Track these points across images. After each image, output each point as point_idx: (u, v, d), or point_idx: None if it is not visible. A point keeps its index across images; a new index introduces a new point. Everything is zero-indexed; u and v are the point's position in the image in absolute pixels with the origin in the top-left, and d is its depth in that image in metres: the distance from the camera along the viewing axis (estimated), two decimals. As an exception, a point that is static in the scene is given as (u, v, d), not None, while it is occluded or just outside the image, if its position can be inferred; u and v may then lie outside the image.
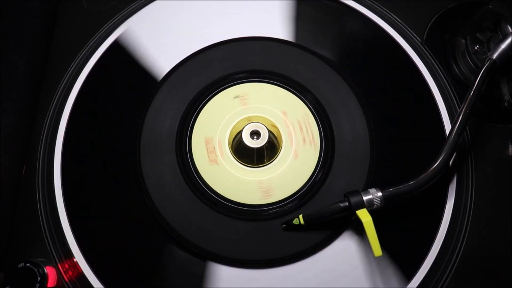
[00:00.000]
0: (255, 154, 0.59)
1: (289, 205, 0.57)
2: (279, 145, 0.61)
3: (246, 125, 0.59)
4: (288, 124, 0.61)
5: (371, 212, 0.52)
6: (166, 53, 0.66)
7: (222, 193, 0.58)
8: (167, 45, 0.66)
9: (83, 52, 0.66)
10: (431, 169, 0.53)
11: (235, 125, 0.61)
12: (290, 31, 0.67)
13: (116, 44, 0.67)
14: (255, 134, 0.59)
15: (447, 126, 0.61)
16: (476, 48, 0.62)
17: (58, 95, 0.64)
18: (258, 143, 0.58)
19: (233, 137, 0.61)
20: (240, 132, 0.59)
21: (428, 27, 0.67)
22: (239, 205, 0.58)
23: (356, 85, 0.63)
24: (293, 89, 0.63)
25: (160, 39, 0.67)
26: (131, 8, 0.69)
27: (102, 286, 0.55)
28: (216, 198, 0.58)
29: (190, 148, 0.60)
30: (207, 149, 0.60)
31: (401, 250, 0.56)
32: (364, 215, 0.52)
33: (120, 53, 0.66)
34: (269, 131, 0.59)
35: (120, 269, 0.56)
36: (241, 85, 0.63)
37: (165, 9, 0.69)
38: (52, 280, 0.55)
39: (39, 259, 0.56)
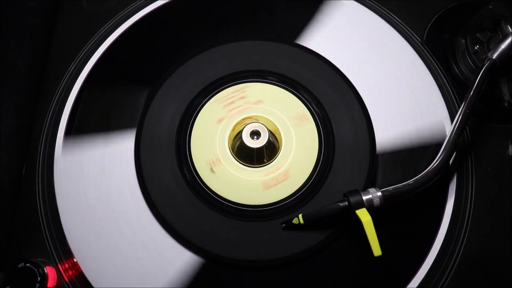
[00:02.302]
0: (255, 154, 0.59)
1: (288, 205, 0.57)
2: (279, 145, 0.61)
3: (246, 125, 0.59)
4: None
5: (371, 212, 0.52)
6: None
7: (221, 193, 0.58)
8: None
9: (83, 52, 0.66)
10: (431, 168, 0.53)
11: (235, 125, 0.61)
12: (289, 31, 0.67)
13: (116, 44, 0.67)
14: (255, 134, 0.59)
15: (447, 126, 0.61)
16: (476, 48, 0.62)
17: (58, 95, 0.64)
18: (258, 143, 0.58)
19: (233, 137, 0.61)
20: (240, 132, 0.59)
21: (428, 27, 0.67)
22: (239, 205, 0.58)
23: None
24: (294, 89, 0.63)
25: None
26: (131, 8, 0.69)
27: (102, 286, 0.55)
28: (216, 198, 0.58)
29: (190, 147, 0.60)
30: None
31: (401, 250, 0.56)
32: (363, 214, 0.52)
33: (120, 54, 0.66)
34: (269, 131, 0.59)
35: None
36: (241, 85, 0.63)
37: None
38: (52, 280, 0.55)
39: (39, 259, 0.56)
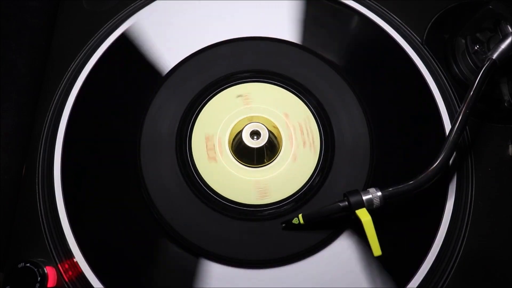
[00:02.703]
0: (255, 154, 0.59)
1: (288, 205, 0.57)
2: (279, 145, 0.61)
3: (246, 125, 0.59)
4: (289, 126, 0.61)
5: (371, 212, 0.52)
6: (166, 52, 0.66)
7: (222, 193, 0.58)
8: (167, 45, 0.67)
9: (83, 52, 0.66)
10: (431, 169, 0.53)
11: (235, 124, 0.61)
12: (292, 32, 0.67)
13: (116, 44, 0.67)
14: (255, 134, 0.59)
15: (447, 126, 0.61)
16: (476, 48, 0.62)
17: (58, 95, 0.64)
18: (258, 143, 0.58)
19: (233, 136, 0.61)
20: (240, 132, 0.59)
21: (428, 27, 0.67)
22: (239, 205, 0.58)
23: (356, 85, 0.63)
24: (294, 90, 0.63)
25: (161, 39, 0.67)
26: (131, 8, 0.69)
27: (102, 286, 0.55)
28: (216, 198, 0.58)
29: (190, 147, 0.60)
30: (206, 147, 0.60)
31: (401, 250, 0.56)
32: (363, 214, 0.52)
33: (120, 53, 0.66)
34: (269, 132, 0.59)
35: (120, 269, 0.56)
36: (243, 85, 0.63)
37: (169, 7, 0.69)
38: (52, 280, 0.55)
39: (39, 259, 0.56)
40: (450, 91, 0.64)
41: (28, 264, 0.54)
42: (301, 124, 0.61)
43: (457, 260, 0.56)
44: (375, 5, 0.69)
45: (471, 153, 0.61)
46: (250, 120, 0.61)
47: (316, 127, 0.61)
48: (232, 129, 0.61)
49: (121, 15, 0.69)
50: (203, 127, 0.61)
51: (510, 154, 0.61)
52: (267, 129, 0.59)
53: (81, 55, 0.66)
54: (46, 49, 0.67)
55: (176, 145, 0.60)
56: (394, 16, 0.68)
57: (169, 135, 0.61)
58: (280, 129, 0.61)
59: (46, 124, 0.63)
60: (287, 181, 0.59)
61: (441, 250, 0.56)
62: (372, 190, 0.53)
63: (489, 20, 0.60)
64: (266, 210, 0.57)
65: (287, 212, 0.57)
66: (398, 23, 0.68)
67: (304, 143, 0.60)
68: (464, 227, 0.57)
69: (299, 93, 0.63)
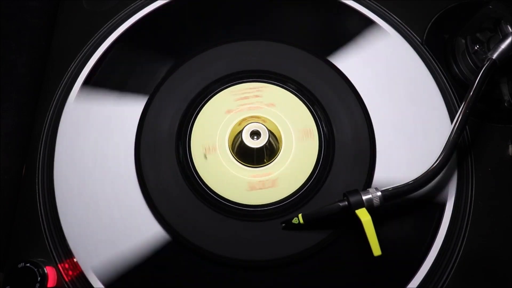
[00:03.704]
0: (255, 154, 0.59)
1: (288, 205, 0.57)
2: (279, 145, 0.61)
3: (246, 125, 0.59)
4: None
5: (371, 212, 0.52)
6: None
7: (221, 193, 0.58)
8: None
9: (83, 52, 0.66)
10: (431, 169, 0.53)
11: (235, 125, 0.61)
12: (291, 33, 0.67)
13: (116, 43, 0.67)
14: (255, 134, 0.59)
15: (447, 126, 0.61)
16: (476, 48, 0.62)
17: (58, 95, 0.64)
18: (258, 143, 0.58)
19: (233, 137, 0.61)
20: (240, 132, 0.59)
21: (428, 27, 0.67)
22: (238, 205, 0.58)
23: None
24: (294, 90, 0.63)
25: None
26: (131, 8, 0.69)
27: (102, 286, 0.55)
28: (216, 197, 0.58)
29: (189, 147, 0.60)
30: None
31: (401, 250, 0.56)
32: (363, 214, 0.52)
33: (120, 53, 0.66)
34: (269, 132, 0.59)
35: (120, 269, 0.56)
36: (242, 85, 0.63)
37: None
38: (52, 280, 0.55)
39: (39, 259, 0.56)
40: (450, 91, 0.64)
41: (28, 264, 0.54)
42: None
43: (457, 260, 0.56)
44: (375, 5, 0.69)
45: (471, 153, 0.61)
46: (250, 120, 0.61)
47: (316, 125, 0.61)
48: (232, 129, 0.61)
49: (121, 15, 0.69)
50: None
51: (510, 154, 0.61)
52: (267, 129, 0.59)
53: (81, 55, 0.66)
54: (46, 49, 0.67)
55: (176, 145, 0.60)
56: (394, 16, 0.68)
57: (169, 135, 0.61)
58: (282, 135, 0.61)
59: (46, 124, 0.63)
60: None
61: (441, 250, 0.56)
62: (372, 190, 0.53)
63: (489, 20, 0.60)
64: (266, 210, 0.57)
65: (287, 212, 0.57)
66: (398, 23, 0.68)
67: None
68: (464, 227, 0.57)
69: (299, 93, 0.63)
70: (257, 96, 0.63)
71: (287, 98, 0.63)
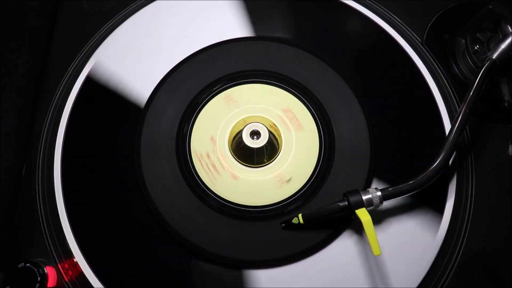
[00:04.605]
0: (255, 154, 0.59)
1: (288, 205, 0.57)
2: (279, 145, 0.61)
3: (246, 125, 0.59)
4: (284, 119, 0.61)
5: (371, 212, 0.52)
6: (166, 53, 0.66)
7: (221, 193, 0.58)
8: (166, 45, 0.67)
9: (83, 52, 0.66)
10: (431, 168, 0.53)
11: (235, 125, 0.61)
12: (293, 32, 0.67)
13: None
14: (255, 134, 0.59)
15: (447, 126, 0.61)
16: (476, 48, 0.62)
17: (58, 95, 0.64)
18: (258, 143, 0.58)
19: (233, 137, 0.61)
20: (240, 132, 0.59)
21: (428, 27, 0.67)
22: (238, 205, 0.58)
23: (356, 85, 0.63)
24: (293, 89, 0.63)
25: (160, 39, 0.67)
26: (131, 8, 0.69)
27: (102, 286, 0.55)
28: (216, 197, 0.58)
29: (190, 147, 0.60)
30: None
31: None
32: (363, 214, 0.52)
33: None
34: (269, 131, 0.59)
35: (120, 269, 0.56)
36: (242, 86, 0.63)
37: (166, 10, 0.69)
38: (52, 280, 0.55)
39: (39, 259, 0.56)
40: (450, 91, 0.64)
41: (28, 264, 0.54)
42: (299, 128, 0.61)
43: (457, 260, 0.56)
44: (375, 5, 0.69)
45: (471, 153, 0.61)
46: (250, 120, 0.61)
47: (315, 126, 0.61)
48: (232, 129, 0.61)
49: (121, 15, 0.69)
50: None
51: (510, 154, 0.61)
52: (267, 129, 0.59)
53: (81, 55, 0.66)
54: (46, 49, 0.67)
55: (176, 145, 0.60)
56: (394, 16, 0.68)
57: (169, 135, 0.61)
58: (280, 129, 0.61)
59: (46, 124, 0.63)
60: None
61: (441, 250, 0.56)
62: (371, 190, 0.53)
63: (489, 20, 0.60)
64: (266, 210, 0.57)
65: (287, 212, 0.57)
66: (398, 23, 0.68)
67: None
68: (464, 227, 0.57)
69: (300, 93, 0.63)
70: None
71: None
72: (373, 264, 0.55)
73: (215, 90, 0.63)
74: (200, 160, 0.60)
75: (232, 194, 0.58)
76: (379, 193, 0.53)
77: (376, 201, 0.53)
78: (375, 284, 0.55)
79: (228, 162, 0.60)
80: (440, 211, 0.58)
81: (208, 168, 0.59)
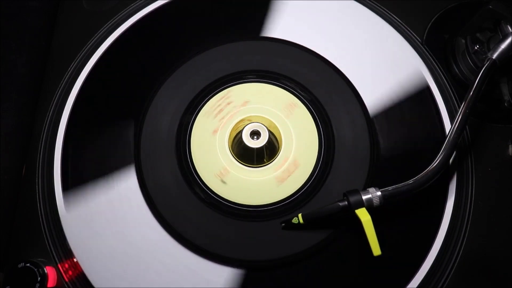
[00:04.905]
0: (255, 154, 0.59)
1: (288, 205, 0.58)
2: (279, 145, 0.61)
3: (246, 125, 0.59)
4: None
5: (371, 212, 0.52)
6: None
7: (221, 193, 0.58)
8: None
9: (83, 52, 0.66)
10: (431, 168, 0.53)
11: (235, 125, 0.61)
12: (293, 33, 0.67)
13: (116, 44, 0.67)
14: (255, 134, 0.59)
15: (447, 126, 0.61)
16: (476, 48, 0.62)
17: (58, 95, 0.64)
18: (258, 143, 0.58)
19: (233, 137, 0.61)
20: (240, 132, 0.59)
21: (428, 27, 0.67)
22: (238, 205, 0.58)
23: (356, 85, 0.63)
24: (294, 89, 0.63)
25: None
26: (131, 8, 0.69)
27: (102, 286, 0.55)
28: (216, 198, 0.58)
29: (190, 147, 0.60)
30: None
31: (401, 250, 0.56)
32: (363, 214, 0.52)
33: (120, 53, 0.66)
34: (269, 132, 0.59)
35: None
36: (241, 85, 0.63)
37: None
38: (52, 280, 0.55)
39: (39, 259, 0.56)
40: (450, 91, 0.64)
41: (28, 264, 0.54)
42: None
43: (457, 260, 0.56)
44: (375, 5, 0.69)
45: (471, 153, 0.61)
46: (250, 120, 0.61)
47: (315, 125, 0.61)
48: (231, 130, 0.61)
49: (121, 15, 0.69)
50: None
51: (510, 154, 0.61)
52: (267, 129, 0.59)
53: (81, 55, 0.66)
54: (46, 49, 0.67)
55: (176, 145, 0.60)
56: (394, 16, 0.68)
57: (169, 135, 0.61)
58: (276, 124, 0.61)
59: (46, 124, 0.63)
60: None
61: (441, 250, 0.56)
62: (371, 189, 0.53)
63: (489, 20, 0.60)
64: (266, 210, 0.57)
65: (287, 212, 0.57)
66: (398, 23, 0.68)
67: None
68: (464, 227, 0.57)
69: (299, 93, 0.63)
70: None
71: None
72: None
73: (215, 90, 0.63)
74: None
75: (231, 194, 0.58)
76: (379, 193, 0.53)
77: (376, 201, 0.52)
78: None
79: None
80: (440, 211, 0.58)
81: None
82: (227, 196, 0.58)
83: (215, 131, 0.61)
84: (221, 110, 0.62)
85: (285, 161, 0.60)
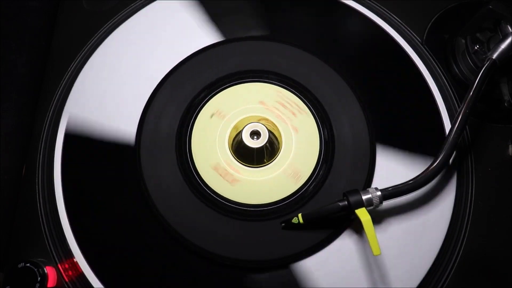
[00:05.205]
0: (255, 154, 0.59)
1: (288, 205, 0.57)
2: (279, 145, 0.61)
3: (246, 125, 0.59)
4: (271, 109, 0.61)
5: (371, 212, 0.52)
6: (166, 53, 0.66)
7: (222, 193, 0.58)
8: (166, 45, 0.67)
9: (83, 52, 0.66)
10: (430, 168, 0.53)
11: (235, 125, 0.61)
12: (293, 32, 0.67)
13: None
14: (255, 134, 0.59)
15: (447, 126, 0.61)
16: (476, 48, 0.62)
17: (58, 95, 0.64)
18: (258, 143, 0.58)
19: (233, 137, 0.61)
20: (240, 132, 0.59)
21: (428, 27, 0.67)
22: (238, 205, 0.58)
23: (356, 85, 0.63)
24: (293, 89, 0.63)
25: (159, 40, 0.67)
26: (131, 8, 0.69)
27: (102, 286, 0.55)
28: (216, 197, 0.58)
29: (190, 147, 0.60)
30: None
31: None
32: (363, 214, 0.52)
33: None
34: (269, 132, 0.59)
35: (120, 269, 0.56)
36: (241, 85, 0.63)
37: (166, 8, 0.69)
38: (52, 280, 0.55)
39: (39, 259, 0.56)
40: (450, 91, 0.64)
41: (28, 264, 0.54)
42: (279, 101, 0.61)
43: (457, 260, 0.56)
44: (375, 5, 0.69)
45: (471, 153, 0.61)
46: (250, 120, 0.61)
47: (315, 125, 0.61)
48: (231, 130, 0.61)
49: (121, 15, 0.69)
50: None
51: (510, 154, 0.61)
52: (267, 129, 0.59)
53: (81, 55, 0.66)
54: (46, 49, 0.67)
55: (176, 145, 0.60)
56: (394, 16, 0.68)
57: (169, 135, 0.61)
58: (280, 128, 0.61)
59: (46, 124, 0.63)
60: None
61: (441, 250, 0.56)
62: (371, 189, 0.53)
63: (489, 20, 0.60)
64: (266, 210, 0.57)
65: (287, 212, 0.57)
66: (398, 23, 0.68)
67: (294, 113, 0.60)
68: (464, 227, 0.57)
69: (299, 93, 0.63)
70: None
71: (278, 94, 0.63)
72: (373, 264, 0.55)
73: (215, 90, 0.63)
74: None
75: (231, 194, 0.58)
76: (379, 193, 0.53)
77: (376, 201, 0.53)
78: (375, 284, 0.55)
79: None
80: (440, 211, 0.58)
81: (208, 168, 0.59)
82: (227, 195, 0.58)
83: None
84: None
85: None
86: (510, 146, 0.61)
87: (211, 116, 0.62)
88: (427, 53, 0.66)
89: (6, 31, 0.65)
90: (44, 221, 0.59)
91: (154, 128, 0.61)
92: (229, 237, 0.56)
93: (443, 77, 0.64)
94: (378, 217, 0.55)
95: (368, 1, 0.69)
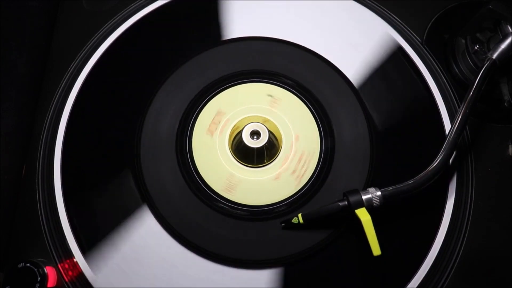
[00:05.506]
0: (255, 154, 0.59)
1: (288, 205, 0.57)
2: (279, 145, 0.61)
3: (246, 125, 0.59)
4: (292, 148, 0.61)
5: (370, 212, 0.52)
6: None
7: (222, 193, 0.58)
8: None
9: (83, 52, 0.66)
10: (430, 168, 0.53)
11: (235, 125, 0.61)
12: (292, 33, 0.67)
13: (116, 44, 0.67)
14: (255, 134, 0.59)
15: (447, 126, 0.61)
16: (476, 48, 0.62)
17: (58, 95, 0.64)
18: (258, 143, 0.58)
19: (233, 137, 0.61)
20: (240, 132, 0.59)
21: (428, 27, 0.67)
22: (238, 205, 0.58)
23: (356, 85, 0.63)
24: (294, 89, 0.63)
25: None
26: (131, 8, 0.69)
27: (102, 286, 0.55)
28: (216, 197, 0.58)
29: (190, 147, 0.60)
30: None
31: (401, 250, 0.56)
32: (363, 214, 0.52)
33: (120, 53, 0.66)
34: (269, 132, 0.59)
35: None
36: (242, 85, 0.63)
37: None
38: (52, 280, 0.55)
39: (39, 259, 0.56)
40: (450, 91, 0.64)
41: (28, 264, 0.54)
42: (303, 153, 0.61)
43: (457, 260, 0.56)
44: (375, 5, 0.69)
45: (471, 153, 0.61)
46: (250, 120, 0.61)
47: (316, 125, 0.61)
48: (231, 130, 0.61)
49: (121, 15, 0.69)
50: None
51: (510, 154, 0.61)
52: (267, 129, 0.59)
53: (81, 55, 0.66)
54: (46, 49, 0.67)
55: (176, 145, 0.60)
56: (394, 16, 0.68)
57: (169, 135, 0.61)
58: (282, 132, 0.61)
59: (46, 124, 0.63)
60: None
61: (441, 250, 0.56)
62: (371, 189, 0.53)
63: (489, 20, 0.60)
64: (266, 210, 0.57)
65: (287, 212, 0.57)
66: (398, 23, 0.68)
67: (294, 171, 0.60)
68: (464, 227, 0.57)
69: (299, 93, 0.63)
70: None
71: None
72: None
73: (215, 90, 0.63)
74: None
75: (232, 194, 0.58)
76: (379, 193, 0.53)
77: (376, 201, 0.53)
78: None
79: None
80: (440, 211, 0.58)
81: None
82: (226, 195, 0.58)
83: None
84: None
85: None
86: (510, 146, 0.61)
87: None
88: (427, 53, 0.66)
89: (6, 31, 0.65)
90: (44, 221, 0.59)
91: (154, 128, 0.61)
92: (229, 237, 0.56)
93: (443, 77, 0.64)
94: (378, 217, 0.54)
95: (368, 1, 0.69)
